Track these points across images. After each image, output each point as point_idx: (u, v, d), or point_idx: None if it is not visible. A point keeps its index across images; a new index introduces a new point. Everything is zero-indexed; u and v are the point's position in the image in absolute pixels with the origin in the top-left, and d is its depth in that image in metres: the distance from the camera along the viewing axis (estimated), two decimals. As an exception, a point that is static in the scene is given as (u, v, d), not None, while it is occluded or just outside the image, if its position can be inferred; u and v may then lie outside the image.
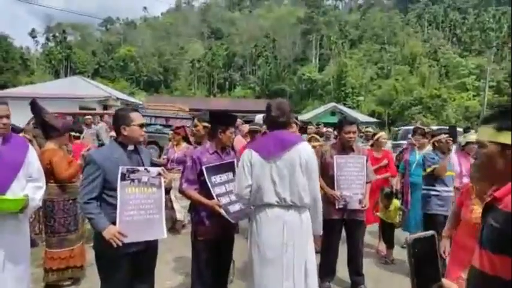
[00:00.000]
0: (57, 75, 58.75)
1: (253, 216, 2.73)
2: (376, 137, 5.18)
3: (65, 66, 64.25)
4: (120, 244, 2.33)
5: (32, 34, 68.70)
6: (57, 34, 68.17)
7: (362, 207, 3.68)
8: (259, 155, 2.63)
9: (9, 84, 45.39)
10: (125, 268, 2.50)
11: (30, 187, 2.58)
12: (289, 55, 65.85)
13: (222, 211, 2.87)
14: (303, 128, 6.87)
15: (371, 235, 5.43)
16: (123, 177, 2.40)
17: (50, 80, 39.43)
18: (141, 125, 2.57)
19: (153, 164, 2.73)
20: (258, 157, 2.62)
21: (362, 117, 32.33)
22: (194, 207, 3.13)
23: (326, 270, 3.89)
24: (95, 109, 18.29)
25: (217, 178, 3.00)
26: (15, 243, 2.50)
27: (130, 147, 2.59)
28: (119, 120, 2.55)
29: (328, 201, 3.64)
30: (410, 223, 4.90)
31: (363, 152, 3.93)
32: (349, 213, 3.71)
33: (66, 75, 53.23)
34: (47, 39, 69.51)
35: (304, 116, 30.48)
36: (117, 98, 24.45)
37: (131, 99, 30.63)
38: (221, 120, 3.13)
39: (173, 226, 5.75)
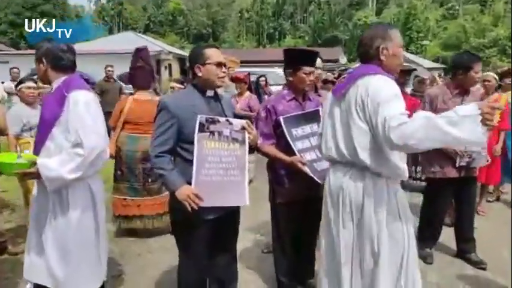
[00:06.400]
0: (110, 31, 60.20)
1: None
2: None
3: (117, 23, 65.60)
4: (196, 208, 1.92)
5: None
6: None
7: (487, 161, 3.08)
8: (332, 93, 2.04)
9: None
10: (204, 237, 2.11)
11: (58, 157, 1.97)
12: (343, -1, 61.99)
13: (306, 169, 2.38)
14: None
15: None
16: (201, 128, 1.98)
17: (105, 36, 40.44)
18: (219, 64, 2.06)
19: (236, 116, 2.25)
20: (331, 97, 2.04)
21: (427, 63, 30.22)
22: (271, 166, 2.70)
23: (427, 234, 3.30)
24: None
25: (298, 130, 2.51)
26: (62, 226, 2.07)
27: (210, 93, 2.14)
28: (193, 59, 2.11)
29: (446, 156, 2.99)
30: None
31: (479, 95, 3.16)
32: (466, 171, 3.06)
33: (119, 31, 54.31)
34: (100, -5, 70.83)
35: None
36: (169, 52, 24.50)
37: (182, 52, 30.74)
38: (290, 60, 2.57)
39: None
